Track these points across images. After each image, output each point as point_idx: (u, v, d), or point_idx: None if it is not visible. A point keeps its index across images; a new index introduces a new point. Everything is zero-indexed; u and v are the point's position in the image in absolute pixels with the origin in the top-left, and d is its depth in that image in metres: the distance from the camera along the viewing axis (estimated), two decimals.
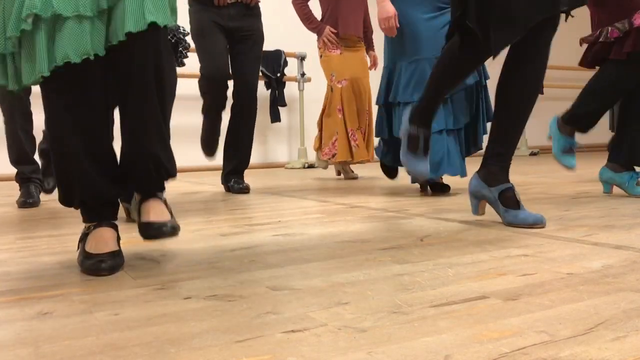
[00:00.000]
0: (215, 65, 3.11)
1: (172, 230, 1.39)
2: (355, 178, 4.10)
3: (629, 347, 0.79)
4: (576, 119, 2.60)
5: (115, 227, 1.42)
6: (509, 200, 1.85)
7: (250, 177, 4.49)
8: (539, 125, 7.95)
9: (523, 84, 1.84)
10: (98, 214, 1.41)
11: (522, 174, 4.06)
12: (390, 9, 3.02)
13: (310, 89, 6.09)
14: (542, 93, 8.49)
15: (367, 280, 1.18)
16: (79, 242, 1.41)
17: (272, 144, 6.22)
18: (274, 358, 0.78)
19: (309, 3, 3.97)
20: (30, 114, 2.79)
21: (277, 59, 5.83)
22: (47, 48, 1.23)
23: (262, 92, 5.93)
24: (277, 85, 5.81)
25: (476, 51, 1.86)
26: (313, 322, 0.92)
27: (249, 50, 3.19)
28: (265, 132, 6.14)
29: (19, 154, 2.79)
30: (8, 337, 0.89)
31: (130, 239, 1.74)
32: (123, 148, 1.43)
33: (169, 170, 1.45)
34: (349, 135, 3.88)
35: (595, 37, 2.53)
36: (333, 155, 3.91)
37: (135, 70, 1.35)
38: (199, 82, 3.22)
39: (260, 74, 5.77)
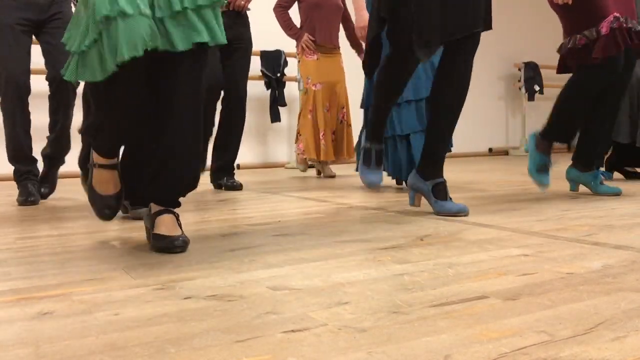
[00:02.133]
0: (213, 74, 3.26)
1: (182, 244, 1.53)
2: (333, 177, 4.27)
3: (629, 347, 0.79)
4: (554, 132, 2.64)
5: (117, 167, 1.63)
6: (439, 193, 2.12)
7: (250, 177, 4.49)
8: (539, 126, 7.95)
9: (451, 92, 2.10)
10: (109, 151, 1.59)
11: (522, 174, 4.06)
12: (367, 18, 3.08)
13: None
14: (542, 93, 8.44)
15: (367, 280, 1.18)
16: (88, 167, 1.63)
17: (272, 144, 6.22)
18: (274, 358, 0.78)
19: (290, 11, 4.23)
20: (29, 114, 2.83)
21: (277, 59, 5.83)
22: (111, 46, 1.33)
23: (262, 92, 5.93)
24: (277, 85, 5.80)
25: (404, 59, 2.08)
26: (313, 322, 0.92)
27: (238, 61, 3.41)
28: (265, 132, 6.14)
29: (16, 151, 2.84)
30: (8, 337, 0.89)
31: (130, 240, 1.75)
32: (162, 149, 1.56)
33: (194, 185, 1.62)
34: (320, 135, 4.12)
35: (565, 45, 2.60)
36: (303, 152, 4.16)
37: (183, 81, 1.52)
38: None
39: (260, 74, 5.78)
